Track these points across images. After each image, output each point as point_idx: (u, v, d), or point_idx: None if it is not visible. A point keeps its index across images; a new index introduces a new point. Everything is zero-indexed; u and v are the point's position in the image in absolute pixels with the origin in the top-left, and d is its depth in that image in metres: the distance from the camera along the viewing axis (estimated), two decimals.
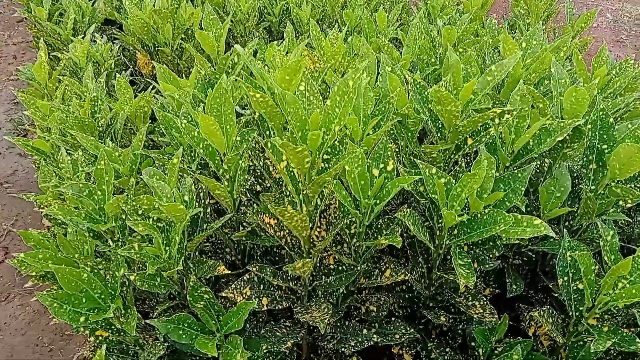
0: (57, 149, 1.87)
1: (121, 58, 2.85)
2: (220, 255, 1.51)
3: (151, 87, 2.18)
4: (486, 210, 1.20)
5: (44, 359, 2.29)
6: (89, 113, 1.73)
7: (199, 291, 1.25)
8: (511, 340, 1.40)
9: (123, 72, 2.76)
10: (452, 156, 1.42)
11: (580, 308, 1.29)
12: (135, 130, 2.15)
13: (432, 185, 1.23)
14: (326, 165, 1.13)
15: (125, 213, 1.22)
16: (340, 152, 1.10)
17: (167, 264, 1.16)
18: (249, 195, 1.49)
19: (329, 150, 1.13)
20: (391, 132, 1.49)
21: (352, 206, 1.15)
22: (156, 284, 1.22)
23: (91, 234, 1.29)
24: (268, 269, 1.28)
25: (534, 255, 1.60)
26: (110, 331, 1.35)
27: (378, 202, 1.18)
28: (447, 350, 1.52)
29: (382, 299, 1.41)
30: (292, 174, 1.14)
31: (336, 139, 1.13)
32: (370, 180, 1.20)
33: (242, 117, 1.55)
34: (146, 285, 1.19)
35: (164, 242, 1.19)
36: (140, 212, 1.20)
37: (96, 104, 1.77)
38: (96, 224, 1.22)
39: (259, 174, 1.47)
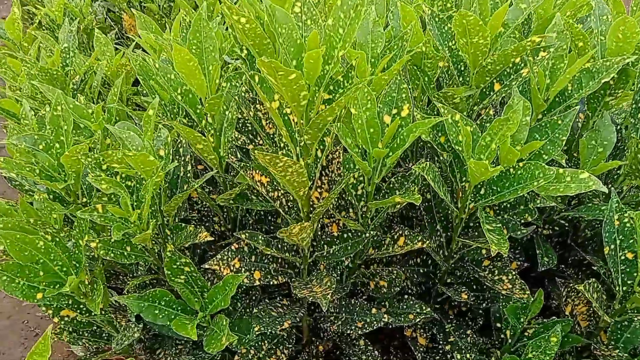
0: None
1: (106, 20, 2.63)
2: (207, 225, 1.31)
3: (134, 43, 1.97)
4: (521, 164, 1.00)
5: (29, 344, 2.14)
6: (58, 65, 1.52)
7: (178, 263, 1.05)
8: (544, 321, 1.20)
9: (108, 34, 2.55)
10: (475, 107, 1.21)
11: (629, 282, 1.09)
12: (119, 94, 1.95)
13: (455, 134, 1.02)
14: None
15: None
16: (346, 88, 0.89)
17: (137, 228, 0.96)
18: (239, 155, 1.29)
19: (331, 88, 0.92)
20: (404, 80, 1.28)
21: (359, 157, 0.95)
22: (125, 253, 1.02)
23: (51, 196, 1.09)
24: (260, 237, 1.09)
25: (566, 224, 1.40)
26: (78, 311, 1.16)
27: (391, 153, 0.97)
28: (468, 332, 1.33)
29: (395, 272, 1.21)
30: (286, 118, 0.93)
31: (335, 77, 0.93)
32: (381, 128, 0.99)
33: (230, 65, 1.34)
34: (112, 255, 1.00)
35: (134, 203, 0.99)
36: (104, 167, 1.00)
37: (67, 55, 1.56)
38: (53, 182, 1.02)
39: (249, 128, 1.27)
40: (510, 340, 1.21)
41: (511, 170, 1.01)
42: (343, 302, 1.30)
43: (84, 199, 1.13)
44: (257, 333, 1.08)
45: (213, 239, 1.06)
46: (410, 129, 0.94)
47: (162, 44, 1.41)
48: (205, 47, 1.05)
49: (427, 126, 0.92)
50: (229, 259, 1.08)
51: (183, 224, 1.07)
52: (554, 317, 1.21)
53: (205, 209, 1.35)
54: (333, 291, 1.03)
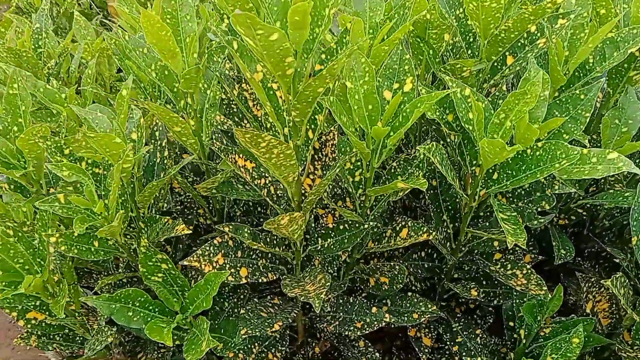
0: None
1: (91, 6, 2.51)
2: (190, 217, 1.20)
3: (118, 25, 1.85)
4: (539, 144, 0.88)
5: (17, 345, 2.04)
6: (29, 47, 1.40)
7: (154, 259, 0.94)
8: (562, 319, 1.09)
9: (93, 20, 2.42)
10: (485, 84, 1.09)
11: None
12: (102, 81, 1.83)
13: (465, 111, 0.91)
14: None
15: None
16: (339, 55, 0.77)
17: (104, 220, 0.85)
18: (224, 141, 1.17)
19: (323, 57, 0.80)
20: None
21: (356, 136, 0.83)
22: (92, 249, 0.90)
23: (11, 186, 0.98)
24: (246, 230, 0.97)
25: (584, 213, 1.28)
26: (47, 313, 1.05)
27: (392, 132, 0.85)
28: (478, 332, 1.21)
29: (397, 267, 1.10)
30: (271, 92, 0.81)
31: (327, 45, 0.81)
32: (380, 104, 0.87)
33: (213, 43, 1.22)
34: (76, 251, 0.88)
35: (101, 192, 0.87)
36: (66, 151, 0.88)
37: (40, 37, 1.44)
38: (10, 169, 0.91)
39: (234, 110, 1.15)
40: (524, 341, 1.10)
41: (528, 151, 0.89)
42: (340, 301, 1.18)
43: (51, 189, 1.02)
44: (243, 336, 0.96)
45: (191, 231, 0.94)
46: (415, 104, 0.82)
47: (132, 16, 1.29)
48: (181, 16, 0.93)
49: (433, 101, 0.80)
50: (211, 255, 0.96)
51: (158, 216, 0.95)
52: (572, 315, 1.10)
53: (189, 200, 1.24)
54: (328, 289, 0.92)
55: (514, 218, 0.91)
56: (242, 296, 1.16)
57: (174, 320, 0.91)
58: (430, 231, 0.98)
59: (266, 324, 1.02)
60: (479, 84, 1.08)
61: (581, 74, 1.06)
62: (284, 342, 1.19)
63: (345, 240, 0.99)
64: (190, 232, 0.90)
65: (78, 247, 0.88)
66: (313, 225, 1.07)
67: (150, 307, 0.95)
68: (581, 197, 1.22)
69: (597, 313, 1.12)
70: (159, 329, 0.87)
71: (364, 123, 0.87)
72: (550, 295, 1.04)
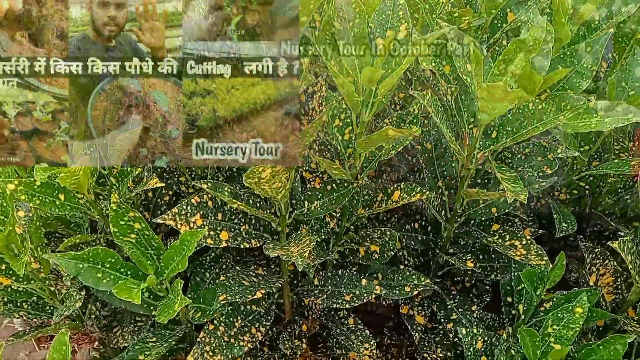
0: None
1: None
2: (169, 182, 1.13)
3: None
4: (542, 97, 0.82)
5: None
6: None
7: (126, 218, 0.87)
8: (565, 293, 1.02)
9: None
10: (483, 44, 1.03)
11: None
12: None
13: (463, 61, 0.84)
14: None
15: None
16: None
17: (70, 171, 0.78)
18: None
19: None
20: None
21: (345, 80, 0.76)
22: (57, 202, 0.84)
23: None
24: (226, 188, 0.90)
25: (587, 187, 1.22)
26: (14, 277, 0.98)
27: (384, 78, 0.79)
28: (474, 308, 1.15)
29: (388, 233, 1.03)
30: None
31: None
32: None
33: None
34: (38, 202, 0.81)
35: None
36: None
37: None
38: None
39: None
40: (523, 317, 1.03)
41: (530, 105, 0.83)
42: (329, 274, 1.12)
43: None
44: (222, 302, 0.90)
45: (164, 185, 0.88)
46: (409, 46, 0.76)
47: None
48: None
49: (429, 42, 0.74)
50: (189, 214, 0.90)
51: (129, 169, 0.89)
52: (574, 288, 1.03)
53: (172, 167, 1.17)
54: (312, 249, 0.85)
55: (514, 178, 0.85)
56: (224, 266, 1.10)
57: (144, 281, 0.85)
58: (424, 191, 0.92)
59: (247, 291, 0.95)
60: (478, 41, 1.02)
61: (586, 33, 0.99)
62: (269, 318, 1.12)
63: (334, 201, 0.93)
64: (163, 185, 0.83)
65: (40, 198, 0.81)
66: (300, 189, 1.00)
67: (122, 270, 0.88)
68: (584, 170, 1.16)
69: (601, 288, 1.06)
70: (128, 289, 0.80)
71: (354, 70, 0.80)
72: (551, 266, 0.98)
